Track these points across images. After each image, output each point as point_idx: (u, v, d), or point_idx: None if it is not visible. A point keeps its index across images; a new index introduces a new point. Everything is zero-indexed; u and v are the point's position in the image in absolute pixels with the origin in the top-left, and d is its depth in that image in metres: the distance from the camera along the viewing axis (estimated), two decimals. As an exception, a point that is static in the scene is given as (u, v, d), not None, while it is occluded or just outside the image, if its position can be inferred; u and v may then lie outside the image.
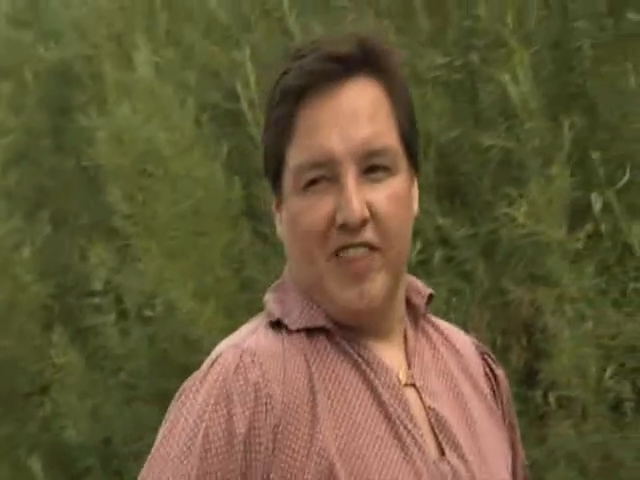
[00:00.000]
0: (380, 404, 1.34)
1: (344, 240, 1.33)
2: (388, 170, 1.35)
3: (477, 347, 1.50)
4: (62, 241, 4.19)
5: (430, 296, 1.45)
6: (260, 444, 1.29)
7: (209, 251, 3.53)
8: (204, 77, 3.80)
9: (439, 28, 3.31)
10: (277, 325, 1.36)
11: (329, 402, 1.32)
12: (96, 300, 3.84)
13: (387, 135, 1.35)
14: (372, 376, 1.35)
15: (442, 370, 1.42)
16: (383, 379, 1.35)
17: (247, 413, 1.29)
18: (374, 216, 1.33)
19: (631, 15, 2.96)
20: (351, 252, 1.33)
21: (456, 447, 1.37)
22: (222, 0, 3.82)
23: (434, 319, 1.48)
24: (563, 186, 2.88)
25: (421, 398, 1.38)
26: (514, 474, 1.49)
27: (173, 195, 3.58)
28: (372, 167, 1.34)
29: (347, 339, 1.36)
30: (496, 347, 3.08)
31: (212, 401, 1.30)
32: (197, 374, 1.34)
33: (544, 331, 3.05)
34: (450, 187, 3.31)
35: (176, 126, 3.60)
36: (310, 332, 1.36)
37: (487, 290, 3.19)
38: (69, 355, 3.88)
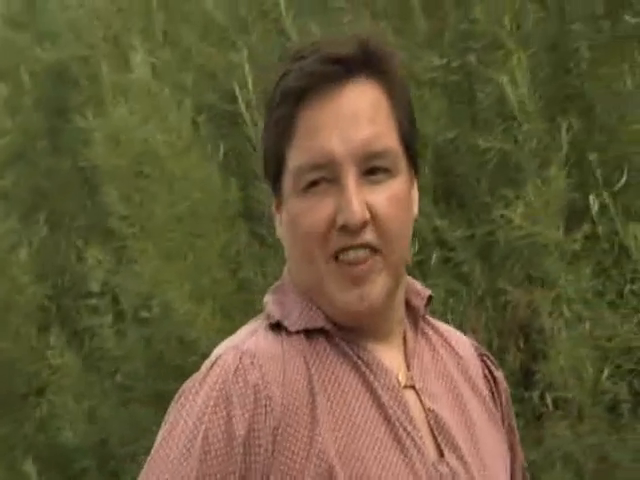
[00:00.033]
0: (379, 406, 1.34)
1: (344, 242, 1.33)
2: (388, 172, 1.35)
3: (476, 349, 1.50)
4: (59, 242, 4.18)
5: (429, 298, 1.45)
6: (259, 446, 1.29)
7: (206, 252, 3.53)
8: (201, 78, 3.80)
9: (436, 30, 3.31)
10: (277, 327, 1.37)
11: (328, 404, 1.32)
12: (93, 301, 3.84)
13: (387, 137, 1.35)
14: (371, 378, 1.35)
15: (441, 372, 1.42)
16: (382, 381, 1.36)
17: (247, 415, 1.29)
18: (374, 218, 1.33)
19: (628, 17, 2.96)
20: (351, 254, 1.33)
21: (455, 449, 1.37)
22: (219, 1, 3.81)
23: (433, 321, 1.48)
24: (560, 188, 2.89)
25: (420, 400, 1.38)
26: (513, 476, 1.49)
27: (170, 196, 3.57)
28: (372, 169, 1.34)
29: (346, 340, 1.36)
30: (493, 348, 3.08)
31: (212, 403, 1.30)
32: (196, 376, 1.34)
33: (541, 332, 3.05)
34: (447, 188, 3.31)
35: (173, 127, 3.60)
36: (309, 334, 1.36)
37: (484, 291, 3.19)
38: (66, 356, 3.88)
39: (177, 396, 1.35)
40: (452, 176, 3.31)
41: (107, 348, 3.83)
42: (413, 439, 1.34)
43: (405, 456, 1.33)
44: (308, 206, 1.34)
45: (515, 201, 2.92)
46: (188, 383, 1.34)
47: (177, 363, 3.51)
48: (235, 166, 3.67)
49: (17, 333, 4.04)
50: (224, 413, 1.29)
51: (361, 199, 1.32)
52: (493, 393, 1.48)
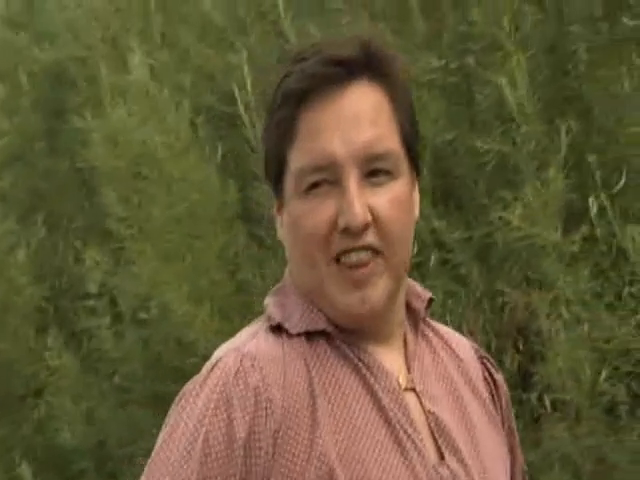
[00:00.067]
0: (380, 408, 1.34)
1: (346, 244, 1.33)
2: (390, 174, 1.35)
3: (476, 351, 1.50)
4: (57, 243, 4.18)
5: (430, 300, 1.45)
6: (260, 449, 1.29)
7: (204, 254, 3.53)
8: (199, 80, 3.80)
9: (434, 31, 3.32)
10: (277, 329, 1.36)
11: (329, 406, 1.32)
12: (91, 303, 3.84)
13: (389, 139, 1.35)
14: (372, 380, 1.35)
15: (442, 374, 1.42)
16: (383, 383, 1.36)
17: (247, 418, 1.29)
18: (376, 220, 1.33)
19: (626, 19, 2.96)
20: (353, 256, 1.33)
21: (455, 451, 1.37)
22: (217, 3, 3.81)
23: (434, 323, 1.48)
24: (558, 189, 2.89)
25: (421, 402, 1.38)
26: (513, 479, 1.49)
27: (168, 198, 3.57)
28: (374, 171, 1.34)
29: (347, 343, 1.36)
30: (491, 350, 3.08)
31: (212, 405, 1.30)
32: (197, 378, 1.34)
33: (539, 334, 3.05)
34: (445, 190, 3.31)
35: (171, 129, 3.60)
36: (310, 336, 1.36)
37: (482, 293, 3.19)
38: (64, 358, 3.88)
39: (177, 398, 1.35)
40: (450, 178, 3.31)
41: (105, 349, 3.82)
42: (414, 442, 1.34)
43: (405, 459, 1.33)
44: (310, 208, 1.34)
45: (513, 203, 2.93)
46: (188, 385, 1.34)
47: (175, 364, 3.51)
48: (233, 167, 3.67)
49: (15, 334, 4.04)
50: (225, 416, 1.29)
51: (363, 201, 1.32)
52: (493, 396, 1.48)
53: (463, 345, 1.49)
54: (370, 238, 1.33)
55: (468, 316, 3.18)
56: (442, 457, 1.37)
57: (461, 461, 1.37)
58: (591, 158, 2.93)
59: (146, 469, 1.33)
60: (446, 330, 1.49)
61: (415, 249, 3.05)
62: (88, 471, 3.93)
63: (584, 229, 2.90)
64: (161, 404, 3.32)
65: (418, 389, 1.38)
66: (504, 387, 1.50)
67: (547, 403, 3.01)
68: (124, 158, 3.66)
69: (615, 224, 2.86)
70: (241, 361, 1.32)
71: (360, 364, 1.36)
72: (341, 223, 1.32)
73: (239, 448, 1.29)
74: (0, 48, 4.45)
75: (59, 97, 4.25)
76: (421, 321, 1.44)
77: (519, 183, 3.01)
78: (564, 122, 2.97)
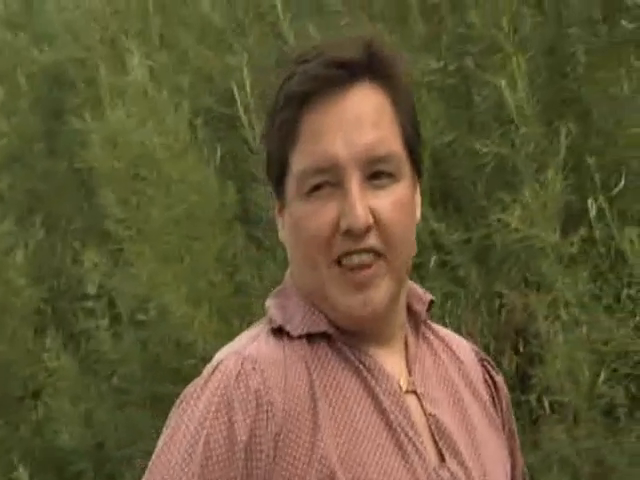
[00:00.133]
0: (381, 411, 1.34)
1: (348, 246, 1.33)
2: (392, 176, 1.35)
3: (477, 354, 1.50)
4: (55, 245, 4.18)
5: (430, 302, 1.45)
6: (261, 452, 1.29)
7: (203, 255, 3.53)
8: (198, 81, 3.80)
9: (433, 33, 3.32)
10: (278, 332, 1.36)
11: (330, 409, 1.32)
12: (89, 304, 3.84)
13: (391, 141, 1.35)
14: (373, 383, 1.35)
15: (443, 376, 1.42)
16: (384, 386, 1.36)
17: (248, 421, 1.29)
18: (378, 222, 1.33)
19: (625, 22, 2.97)
20: (355, 258, 1.33)
21: (456, 454, 1.37)
22: (216, 4, 3.81)
23: (434, 325, 1.48)
24: (557, 191, 2.89)
25: (422, 405, 1.38)
26: (513, 481, 1.49)
27: (167, 199, 3.57)
28: (376, 173, 1.34)
29: (349, 345, 1.36)
30: (489, 351, 3.08)
31: (213, 408, 1.30)
32: (198, 381, 1.34)
33: (537, 336, 3.05)
34: (444, 192, 3.31)
35: (170, 130, 3.60)
36: (311, 338, 1.36)
37: (481, 295, 3.19)
38: (62, 359, 3.88)
39: (178, 401, 1.35)
40: (449, 179, 3.31)
41: (103, 351, 3.82)
42: (414, 444, 1.34)
43: (406, 461, 1.33)
44: (312, 210, 1.34)
45: (512, 205, 2.93)
46: (189, 388, 1.34)
47: (173, 366, 3.50)
48: (232, 169, 3.67)
49: (13, 336, 4.03)
50: (226, 418, 1.29)
51: (365, 204, 1.32)
52: (494, 398, 1.48)
53: (463, 347, 1.49)
54: (372, 240, 1.33)
55: (467, 318, 3.18)
56: (443, 460, 1.37)
57: (462, 464, 1.37)
58: (590, 160, 2.93)
59: (147, 472, 1.33)
60: (446, 332, 1.49)
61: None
62: (86, 473, 3.93)
63: (583, 231, 2.91)
64: (160, 405, 3.32)
65: (419, 392, 1.38)
66: (504, 390, 1.50)
67: (546, 405, 3.01)
68: (123, 159, 3.66)
69: (614, 226, 2.86)
70: (242, 364, 1.32)
71: (361, 367, 1.36)
72: (343, 225, 1.32)
73: (240, 451, 1.29)
74: (-1, 49, 4.45)
75: (58, 98, 4.25)
76: (422, 323, 1.44)
77: (518, 185, 3.01)
78: (563, 124, 2.97)
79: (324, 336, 1.36)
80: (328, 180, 1.34)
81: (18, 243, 4.10)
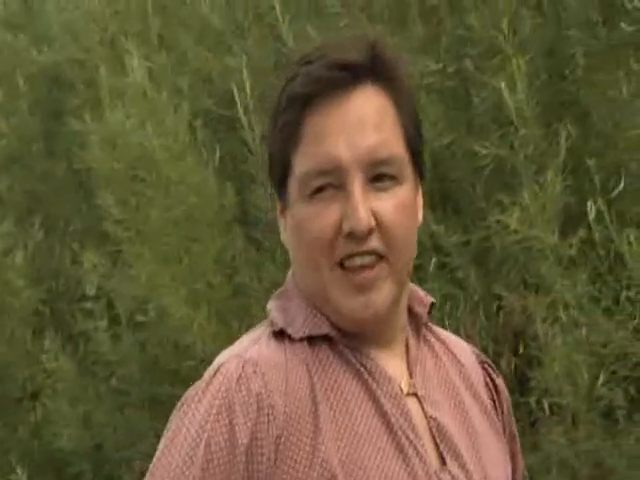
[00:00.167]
0: (382, 414, 1.34)
1: (350, 249, 1.33)
2: (394, 179, 1.35)
3: (477, 356, 1.50)
4: (54, 246, 4.18)
5: (431, 305, 1.45)
6: (262, 455, 1.29)
7: (201, 257, 3.53)
8: (197, 82, 3.80)
9: (432, 35, 3.32)
10: (280, 334, 1.36)
11: (331, 413, 1.32)
12: (88, 305, 3.84)
13: (393, 143, 1.35)
14: (374, 386, 1.35)
15: (444, 379, 1.42)
16: (385, 389, 1.36)
17: (249, 424, 1.29)
18: (380, 225, 1.33)
19: (624, 25, 2.97)
20: (357, 260, 1.33)
21: (457, 457, 1.37)
22: (215, 5, 3.81)
23: (435, 328, 1.48)
24: (556, 193, 2.89)
25: (422, 407, 1.38)
26: (514, 484, 1.49)
27: (166, 200, 3.57)
28: (378, 175, 1.34)
29: (350, 347, 1.36)
30: (488, 354, 3.08)
31: (214, 411, 1.30)
32: (199, 384, 1.34)
33: (536, 338, 3.06)
34: (443, 194, 3.32)
35: (169, 131, 3.60)
36: (312, 341, 1.36)
37: (480, 297, 3.19)
38: (60, 361, 3.87)
39: (179, 404, 1.34)
40: (448, 181, 3.31)
41: (102, 352, 3.82)
42: (415, 447, 1.34)
43: (407, 465, 1.33)
44: (314, 212, 1.34)
45: (511, 207, 2.93)
46: (190, 391, 1.34)
47: (172, 368, 3.50)
48: (231, 170, 3.67)
49: (12, 337, 4.03)
50: (227, 421, 1.29)
51: (367, 206, 1.32)
52: (494, 401, 1.48)
53: (464, 350, 1.49)
54: (374, 243, 1.33)
55: (465, 320, 3.18)
56: (444, 462, 1.37)
57: (463, 467, 1.37)
58: (589, 162, 2.93)
59: (148, 474, 1.32)
60: (447, 335, 1.49)
61: (413, 253, 3.05)
62: (85, 474, 3.93)
63: (582, 233, 2.91)
64: (158, 407, 3.32)
65: (420, 394, 1.38)
66: (505, 392, 1.50)
67: (545, 407, 3.01)
68: (122, 161, 3.66)
69: (613, 228, 2.86)
70: (243, 367, 1.31)
71: (362, 369, 1.35)
72: (345, 228, 1.32)
73: (241, 454, 1.29)
74: (-2, 50, 4.45)
75: (57, 99, 4.25)
76: (423, 326, 1.44)
77: (517, 187, 3.01)
78: (562, 126, 2.97)
79: (325, 339, 1.36)
80: (331, 182, 1.34)
81: (17, 244, 4.10)
